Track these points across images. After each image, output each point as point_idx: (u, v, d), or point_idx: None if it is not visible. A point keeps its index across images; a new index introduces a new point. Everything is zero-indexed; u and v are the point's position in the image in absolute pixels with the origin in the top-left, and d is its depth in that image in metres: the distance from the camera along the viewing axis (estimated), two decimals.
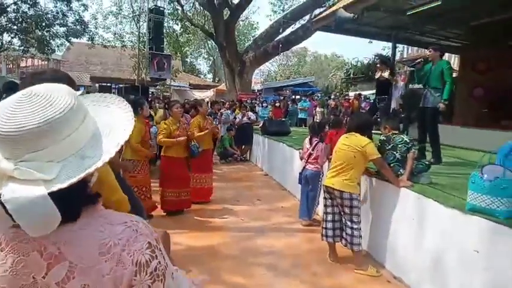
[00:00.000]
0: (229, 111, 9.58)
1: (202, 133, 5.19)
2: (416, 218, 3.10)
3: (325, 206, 3.58)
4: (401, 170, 3.37)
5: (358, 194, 3.40)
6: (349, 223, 3.37)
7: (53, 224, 0.62)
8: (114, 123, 0.73)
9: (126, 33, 21.98)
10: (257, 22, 35.37)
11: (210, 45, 34.66)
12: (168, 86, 17.91)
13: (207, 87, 24.95)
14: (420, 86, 5.43)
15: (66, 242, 0.66)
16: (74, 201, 0.67)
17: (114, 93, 9.67)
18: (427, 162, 3.58)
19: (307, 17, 17.61)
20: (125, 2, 20.16)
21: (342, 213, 3.44)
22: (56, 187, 0.61)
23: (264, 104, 13.24)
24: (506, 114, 9.28)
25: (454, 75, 11.47)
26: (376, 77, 6.23)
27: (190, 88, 22.29)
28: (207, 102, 11.93)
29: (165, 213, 4.77)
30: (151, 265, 0.69)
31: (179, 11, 19.03)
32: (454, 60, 12.77)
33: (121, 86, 16.65)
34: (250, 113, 9.78)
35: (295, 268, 3.48)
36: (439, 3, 7.00)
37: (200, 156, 5.02)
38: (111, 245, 0.67)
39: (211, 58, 38.47)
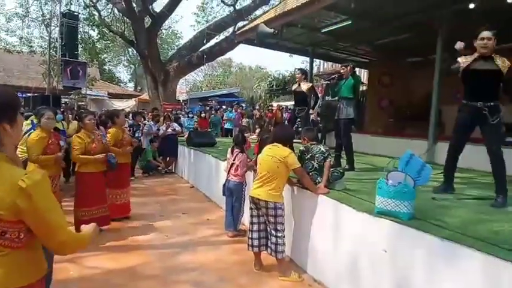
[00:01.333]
0: (152, 123, 9.22)
1: (119, 150, 4.96)
2: (333, 223, 3.30)
3: (251, 216, 3.62)
4: (319, 178, 3.57)
5: (282, 203, 3.51)
6: (274, 232, 3.45)
7: None
8: None
9: (35, 38, 20.05)
10: (181, 31, 34.94)
11: (131, 53, 33.21)
12: (83, 95, 16.67)
13: (128, 96, 23.83)
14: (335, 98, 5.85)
15: None
16: None
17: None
18: (341, 170, 3.84)
19: (230, 29, 17.90)
20: (33, 4, 18.42)
21: (267, 222, 3.51)
22: None
23: (190, 115, 13.02)
24: (408, 124, 10.45)
25: (364, 88, 12.62)
26: (293, 88, 6.49)
27: (109, 97, 21.06)
28: (129, 113, 11.41)
29: None
30: None
31: (96, 17, 17.95)
32: (364, 74, 14.03)
33: (29, 95, 15.06)
34: (174, 124, 9.54)
35: (221, 282, 3.44)
36: (350, 23, 7.69)
37: (117, 171, 4.72)
38: None
39: (132, 66, 36.85)
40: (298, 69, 7.08)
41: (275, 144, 3.53)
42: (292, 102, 16.94)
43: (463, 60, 3.58)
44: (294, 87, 6.51)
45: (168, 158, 9.42)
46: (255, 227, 3.59)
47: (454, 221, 2.63)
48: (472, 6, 5.84)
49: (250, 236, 3.62)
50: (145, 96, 21.71)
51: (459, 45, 3.54)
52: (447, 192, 3.71)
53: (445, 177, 3.81)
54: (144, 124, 8.86)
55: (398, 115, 11.15)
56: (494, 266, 1.96)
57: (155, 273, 3.56)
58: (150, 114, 10.77)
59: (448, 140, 3.90)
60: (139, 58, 20.07)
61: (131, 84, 39.21)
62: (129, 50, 30.35)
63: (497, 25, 3.50)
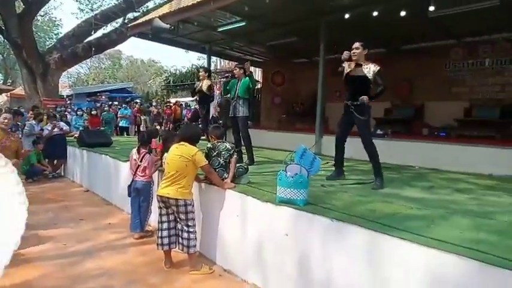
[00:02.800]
0: (34, 122, 8.21)
1: None
2: (240, 214, 3.57)
3: (160, 215, 3.65)
4: (225, 174, 3.79)
5: (192, 200, 3.62)
6: (185, 228, 3.55)
7: None
8: None
9: None
10: (60, 19, 31.20)
11: None
12: None
13: None
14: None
15: None
16: None
17: None
18: (245, 166, 4.13)
19: (120, 20, 16.87)
20: None
21: (178, 219, 3.59)
22: None
23: (78, 112, 11.91)
24: (299, 119, 11.49)
25: (259, 86, 13.35)
26: (198, 87, 6.56)
27: None
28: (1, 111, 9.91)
29: None
30: None
31: None
32: (258, 72, 14.80)
33: None
34: (61, 123, 8.67)
35: (130, 284, 3.40)
36: (244, 24, 8.09)
37: None
38: None
39: (0, 56, 31.69)
40: (201, 67, 7.11)
41: (182, 143, 3.62)
42: (191, 99, 16.86)
43: (346, 65, 4.24)
44: (197, 85, 6.58)
45: (55, 161, 8.53)
46: (165, 226, 3.64)
47: (340, 203, 3.14)
48: (347, 16, 6.76)
49: (159, 235, 3.65)
50: (19, 90, 19.00)
51: (345, 54, 4.16)
52: (339, 177, 4.37)
53: (335, 166, 4.46)
54: (25, 124, 7.85)
55: (290, 111, 12.16)
56: (374, 238, 2.44)
57: (57, 284, 3.32)
58: (30, 112, 9.55)
59: (332, 133, 4.57)
60: (8, 47, 17.41)
61: (0, 76, 33.70)
62: None
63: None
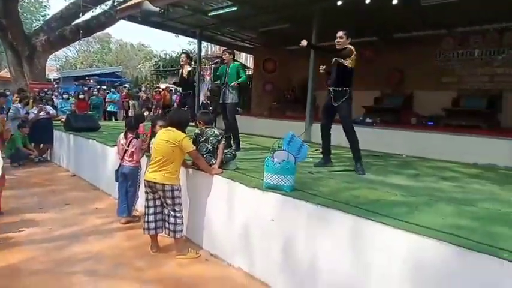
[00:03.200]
0: (19, 105, 8.04)
1: None
2: (227, 199, 3.58)
3: (147, 200, 3.64)
4: (213, 160, 3.78)
5: (179, 185, 3.61)
6: (172, 213, 3.55)
7: None
8: None
9: None
10: (47, 0, 30.26)
11: None
12: None
13: None
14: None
15: None
16: None
17: None
18: (233, 152, 4.11)
19: (109, 2, 16.46)
20: None
21: (165, 204, 3.58)
22: None
23: (64, 96, 11.68)
24: (289, 106, 11.46)
25: (250, 72, 13.27)
26: (181, 73, 6.46)
27: None
28: None
29: None
30: None
31: None
32: (249, 59, 14.67)
33: None
34: (48, 107, 8.51)
35: (117, 267, 3.41)
36: (235, 9, 7.97)
37: None
38: None
39: None
40: (183, 52, 6.95)
41: (169, 128, 3.59)
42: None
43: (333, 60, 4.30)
44: (180, 71, 6.47)
45: (41, 145, 8.41)
46: (151, 210, 3.63)
47: (326, 190, 3.17)
48: (339, 3, 6.70)
49: (146, 220, 3.64)
50: (4, 73, 18.54)
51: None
52: (327, 165, 4.40)
53: (323, 153, 4.48)
54: (10, 107, 7.69)
55: (281, 98, 12.12)
56: (357, 223, 2.47)
57: (43, 267, 3.31)
58: (16, 95, 9.34)
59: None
60: None
61: None
62: None
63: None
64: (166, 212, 3.61)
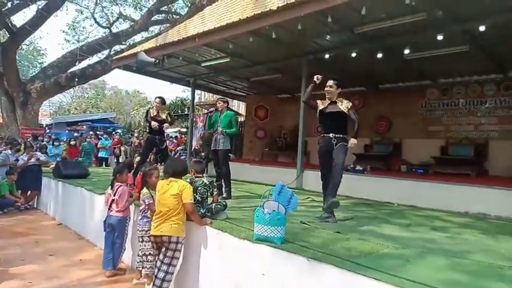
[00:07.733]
0: (9, 152, 7.99)
1: None
2: (217, 250, 3.48)
3: (156, 255, 3.57)
4: (201, 210, 3.71)
5: (183, 238, 3.52)
6: (164, 267, 3.42)
7: None
8: None
9: None
10: (45, 48, 31.18)
11: None
12: None
13: None
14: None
15: None
16: None
17: None
18: (224, 203, 4.03)
19: (106, 52, 17.01)
20: None
21: (163, 255, 3.47)
22: None
23: (55, 142, 11.64)
24: (281, 153, 11.57)
25: (242, 119, 13.51)
26: (153, 115, 6.08)
27: None
28: None
29: None
30: None
31: None
32: (241, 106, 15.01)
33: None
34: (38, 153, 8.46)
35: None
36: (228, 60, 8.29)
37: None
38: None
39: None
40: (158, 97, 6.21)
41: (172, 179, 3.55)
42: (173, 130, 16.78)
43: (320, 103, 4.37)
44: (154, 114, 6.09)
45: (29, 192, 8.24)
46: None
47: (317, 241, 3.11)
48: (327, 56, 7.04)
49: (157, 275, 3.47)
50: None
51: (316, 78, 4.31)
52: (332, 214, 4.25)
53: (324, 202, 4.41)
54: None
55: (272, 145, 12.26)
56: (349, 278, 2.39)
57: None
58: (5, 142, 9.29)
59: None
60: None
61: None
62: None
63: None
64: (158, 265, 3.48)
